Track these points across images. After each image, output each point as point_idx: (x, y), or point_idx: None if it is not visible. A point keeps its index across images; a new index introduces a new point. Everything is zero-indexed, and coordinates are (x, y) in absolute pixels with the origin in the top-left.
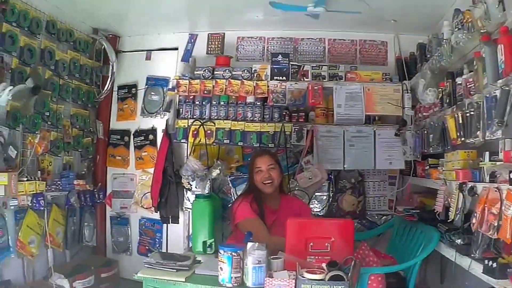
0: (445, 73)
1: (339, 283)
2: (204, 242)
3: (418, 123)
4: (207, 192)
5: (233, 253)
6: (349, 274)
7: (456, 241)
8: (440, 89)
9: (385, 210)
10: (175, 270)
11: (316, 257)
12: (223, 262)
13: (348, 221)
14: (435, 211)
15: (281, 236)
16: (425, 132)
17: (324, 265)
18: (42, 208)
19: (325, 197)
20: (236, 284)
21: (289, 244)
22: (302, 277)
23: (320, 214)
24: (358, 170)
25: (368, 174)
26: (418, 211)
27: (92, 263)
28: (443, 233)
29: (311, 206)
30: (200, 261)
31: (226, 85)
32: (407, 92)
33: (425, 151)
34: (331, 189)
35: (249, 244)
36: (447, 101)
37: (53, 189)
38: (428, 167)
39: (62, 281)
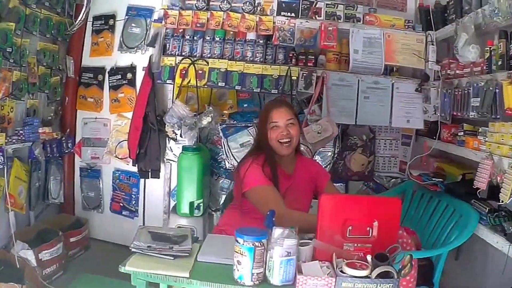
0: (495, 31)
1: (387, 281)
2: (192, 203)
3: (449, 81)
4: (194, 142)
5: (256, 243)
6: (402, 272)
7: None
8: (488, 48)
9: (395, 172)
10: (172, 258)
11: (355, 244)
12: (242, 254)
13: (396, 200)
14: (474, 186)
15: (297, 208)
16: (460, 92)
17: (369, 258)
18: (2, 166)
19: (329, 154)
20: (257, 281)
21: (322, 226)
22: (342, 272)
23: None
24: (370, 126)
25: (379, 131)
26: (441, 180)
27: (59, 225)
28: (485, 214)
29: None
30: (198, 238)
31: (223, 18)
32: (432, 44)
33: (458, 114)
34: (337, 145)
35: (277, 231)
36: (499, 63)
37: (14, 140)
38: (462, 133)
39: (26, 253)
